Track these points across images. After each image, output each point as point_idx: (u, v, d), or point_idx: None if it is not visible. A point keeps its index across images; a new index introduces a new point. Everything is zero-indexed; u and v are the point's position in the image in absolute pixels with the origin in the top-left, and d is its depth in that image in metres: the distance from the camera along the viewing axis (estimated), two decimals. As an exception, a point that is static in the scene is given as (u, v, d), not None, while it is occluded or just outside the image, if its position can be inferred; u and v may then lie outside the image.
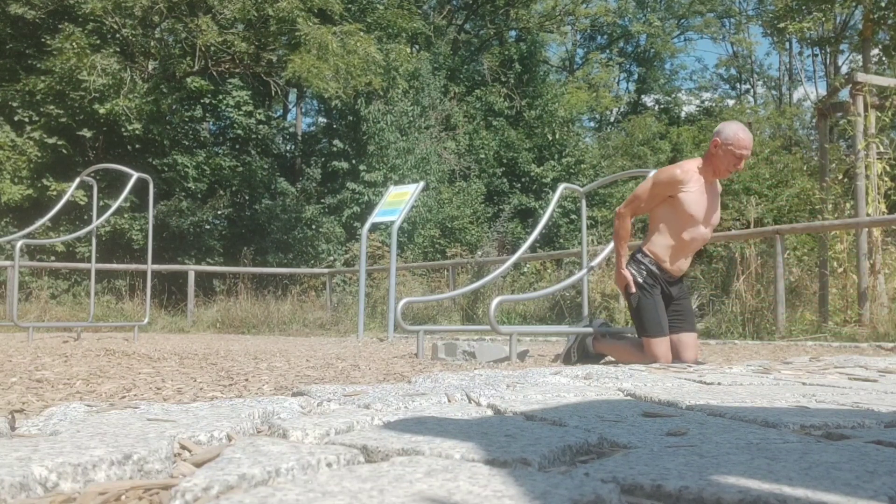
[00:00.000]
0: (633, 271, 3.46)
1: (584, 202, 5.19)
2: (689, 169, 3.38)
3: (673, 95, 30.38)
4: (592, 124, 29.35)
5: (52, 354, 4.03)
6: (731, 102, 30.53)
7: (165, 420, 1.24)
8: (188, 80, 15.33)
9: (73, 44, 12.95)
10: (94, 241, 7.48)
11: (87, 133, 13.99)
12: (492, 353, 3.98)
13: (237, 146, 17.87)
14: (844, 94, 7.74)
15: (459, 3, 23.53)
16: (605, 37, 30.25)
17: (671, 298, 3.49)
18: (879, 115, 7.11)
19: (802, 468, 0.89)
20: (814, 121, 21.63)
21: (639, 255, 3.48)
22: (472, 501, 0.71)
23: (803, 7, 12.78)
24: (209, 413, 1.35)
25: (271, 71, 15.57)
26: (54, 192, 13.18)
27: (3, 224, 13.36)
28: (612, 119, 29.42)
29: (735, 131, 3.29)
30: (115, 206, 6.85)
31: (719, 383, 2.11)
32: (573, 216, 18.15)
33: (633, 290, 3.43)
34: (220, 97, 16.91)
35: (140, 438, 1.02)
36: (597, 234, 10.98)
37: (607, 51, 29.56)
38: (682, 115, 29.43)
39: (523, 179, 19.62)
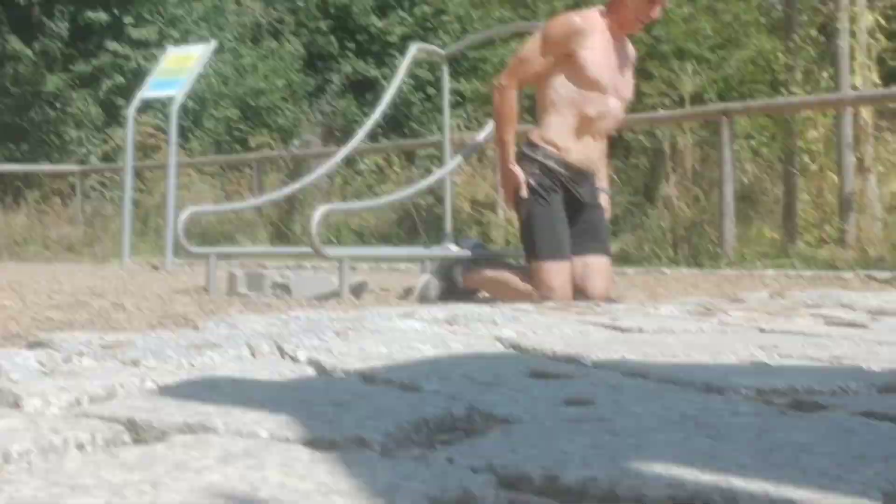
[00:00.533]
0: (523, 169, 3.41)
1: (445, 70, 5.21)
2: (591, 17, 3.39)
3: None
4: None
5: None
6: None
7: None
8: None
9: None
10: None
11: None
12: (314, 286, 3.98)
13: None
14: None
15: None
16: None
17: (580, 206, 3.47)
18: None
19: (760, 452, 0.86)
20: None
21: (527, 149, 3.45)
22: (287, 499, 0.70)
23: None
24: None
25: None
26: None
27: None
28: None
29: None
30: None
31: (641, 330, 2.07)
32: (431, 90, 18.27)
33: (524, 193, 3.38)
34: None
35: None
36: (465, 116, 11.13)
37: None
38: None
39: (359, 37, 19.44)
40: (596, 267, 3.42)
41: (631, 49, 3.53)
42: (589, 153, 3.43)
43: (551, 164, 3.38)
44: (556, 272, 3.31)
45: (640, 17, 3.38)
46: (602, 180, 3.64)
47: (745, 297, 3.23)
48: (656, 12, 3.39)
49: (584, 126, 3.38)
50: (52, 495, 0.70)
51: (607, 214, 3.67)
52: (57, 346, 1.68)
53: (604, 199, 3.62)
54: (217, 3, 16.39)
